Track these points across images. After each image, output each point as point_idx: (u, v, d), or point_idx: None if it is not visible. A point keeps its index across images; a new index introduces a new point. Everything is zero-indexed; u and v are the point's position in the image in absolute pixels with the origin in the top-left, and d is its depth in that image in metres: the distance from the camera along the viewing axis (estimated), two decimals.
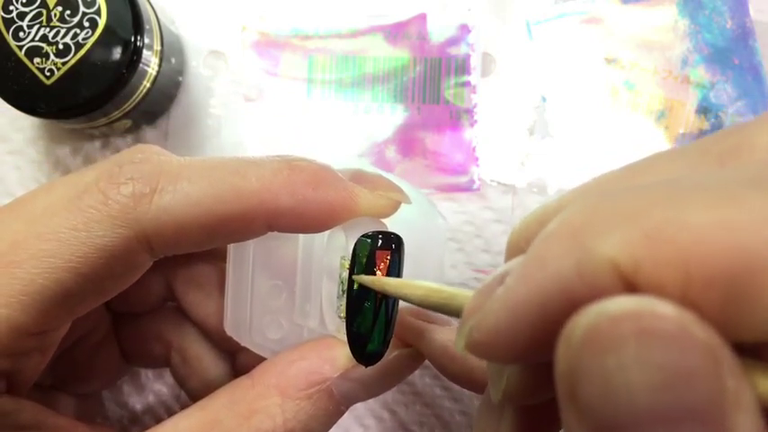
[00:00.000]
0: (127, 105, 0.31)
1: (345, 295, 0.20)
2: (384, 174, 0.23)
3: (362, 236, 0.20)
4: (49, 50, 0.29)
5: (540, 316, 0.12)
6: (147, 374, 0.36)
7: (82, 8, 0.29)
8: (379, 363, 0.21)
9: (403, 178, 0.36)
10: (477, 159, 0.35)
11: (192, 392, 0.28)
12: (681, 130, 0.35)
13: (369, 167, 0.23)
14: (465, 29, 0.36)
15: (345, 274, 0.21)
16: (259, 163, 0.21)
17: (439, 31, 0.36)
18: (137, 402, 0.35)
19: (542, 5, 0.36)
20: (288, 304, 0.24)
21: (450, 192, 0.36)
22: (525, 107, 0.36)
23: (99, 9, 0.29)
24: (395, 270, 0.20)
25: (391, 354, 0.22)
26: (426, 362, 0.36)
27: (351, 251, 0.20)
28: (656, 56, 0.35)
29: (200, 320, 0.27)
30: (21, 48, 0.29)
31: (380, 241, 0.20)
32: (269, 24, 0.36)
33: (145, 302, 0.28)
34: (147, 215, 0.20)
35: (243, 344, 0.24)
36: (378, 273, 0.20)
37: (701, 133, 0.35)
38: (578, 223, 0.12)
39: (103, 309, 0.27)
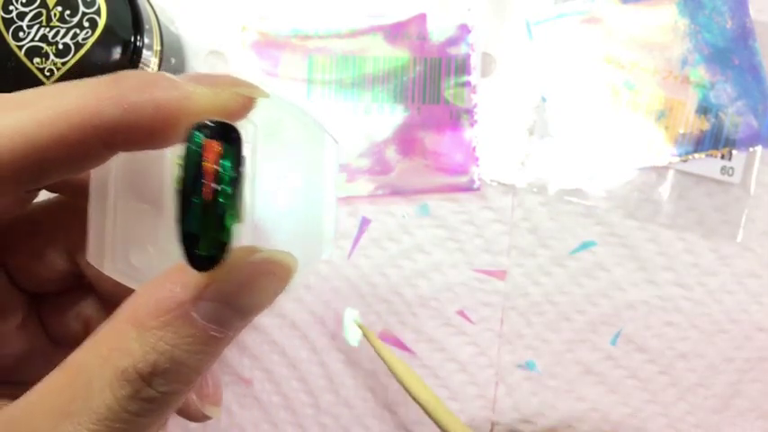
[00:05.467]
0: None
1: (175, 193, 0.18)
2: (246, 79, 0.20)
3: (192, 126, 0.18)
4: (49, 50, 0.29)
5: None
6: None
7: (82, 8, 0.29)
8: (231, 273, 0.19)
9: (402, 178, 0.36)
10: (477, 159, 0.35)
11: None
12: (681, 130, 0.35)
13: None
14: (465, 29, 0.36)
15: (179, 172, 0.18)
16: (80, 83, 0.19)
17: (439, 31, 0.36)
18: None
19: (542, 5, 0.36)
20: (154, 229, 0.22)
21: (450, 192, 0.36)
22: (525, 107, 0.36)
23: (99, 9, 0.29)
24: (229, 166, 0.18)
25: (243, 259, 0.19)
26: (427, 362, 0.36)
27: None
28: (656, 56, 0.35)
29: (106, 293, 0.26)
30: (21, 48, 0.29)
31: (210, 130, 0.17)
32: (269, 24, 0.36)
33: (53, 280, 0.26)
34: None
35: (105, 272, 0.22)
36: (206, 165, 0.17)
37: (702, 133, 0.35)
38: None
39: (13, 289, 0.26)
